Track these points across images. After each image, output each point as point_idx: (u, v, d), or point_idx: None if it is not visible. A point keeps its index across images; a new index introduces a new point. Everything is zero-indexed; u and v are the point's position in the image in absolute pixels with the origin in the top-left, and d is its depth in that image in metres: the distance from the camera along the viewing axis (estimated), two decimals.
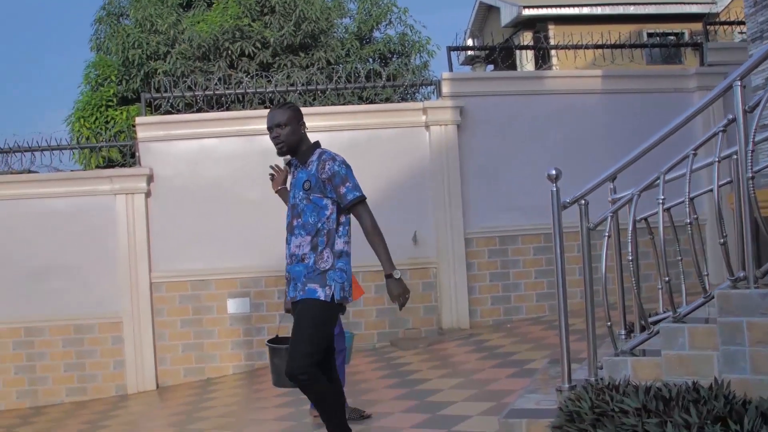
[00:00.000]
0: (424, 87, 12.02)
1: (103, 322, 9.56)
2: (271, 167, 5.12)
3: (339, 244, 4.43)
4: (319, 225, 4.39)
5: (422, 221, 9.73)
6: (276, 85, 10.62)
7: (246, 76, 12.40)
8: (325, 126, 9.67)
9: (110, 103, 15.05)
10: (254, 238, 9.42)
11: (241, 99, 11.66)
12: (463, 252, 9.69)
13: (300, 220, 4.44)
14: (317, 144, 4.63)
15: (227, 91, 10.38)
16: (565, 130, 9.96)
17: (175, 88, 10.38)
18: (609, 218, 4.66)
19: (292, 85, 10.96)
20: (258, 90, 10.55)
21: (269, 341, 5.98)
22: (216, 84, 10.51)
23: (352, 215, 4.51)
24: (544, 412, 4.47)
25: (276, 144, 4.51)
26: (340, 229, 4.47)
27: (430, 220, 9.75)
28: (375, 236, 4.38)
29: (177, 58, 14.44)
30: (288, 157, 4.61)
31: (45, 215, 9.63)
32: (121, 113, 14.72)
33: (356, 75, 11.01)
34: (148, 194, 9.62)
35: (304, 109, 9.86)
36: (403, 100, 14.04)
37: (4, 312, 9.57)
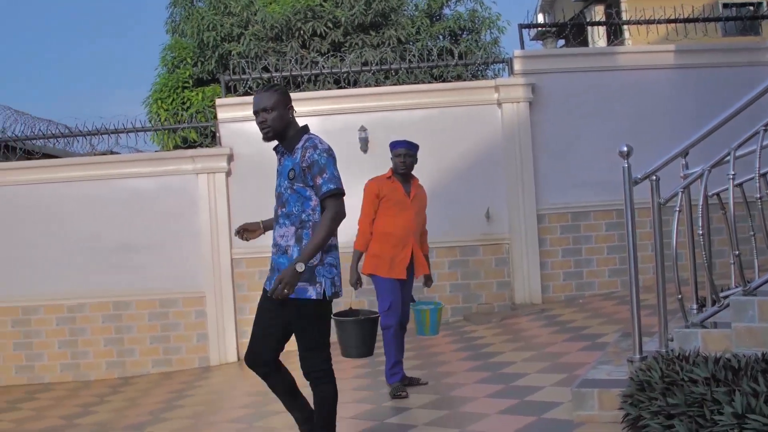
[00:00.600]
0: (494, 63, 12.08)
1: (187, 296, 9.97)
2: (237, 231, 4.69)
3: None
4: (303, 216, 4.14)
5: (495, 198, 9.86)
6: (350, 65, 10.83)
7: (318, 56, 12.63)
8: (399, 105, 9.88)
9: (186, 85, 15.42)
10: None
11: (314, 79, 11.87)
12: (535, 228, 9.80)
13: (284, 209, 4.19)
14: (305, 129, 4.31)
15: (303, 72, 10.64)
16: (637, 106, 9.95)
17: (251, 69, 10.67)
18: (680, 194, 4.75)
19: (365, 64, 11.14)
20: (333, 70, 10.76)
21: (335, 314, 6.28)
22: (291, 65, 10.75)
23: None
24: (615, 383, 4.61)
25: (261, 129, 4.21)
26: None
27: (503, 197, 9.86)
28: (326, 229, 4.03)
29: (250, 40, 14.71)
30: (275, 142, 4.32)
31: (131, 194, 10.05)
32: (197, 94, 15.07)
33: (428, 53, 11.15)
34: (228, 173, 9.95)
35: (377, 89, 10.18)
36: (474, 76, 14.09)
37: (94, 287, 10.04)
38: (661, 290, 4.68)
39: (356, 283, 6.24)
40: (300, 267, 3.93)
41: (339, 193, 4.08)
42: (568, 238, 9.90)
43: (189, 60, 15.64)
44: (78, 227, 10.14)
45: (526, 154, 9.81)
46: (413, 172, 6.35)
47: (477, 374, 6.59)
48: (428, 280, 6.56)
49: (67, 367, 10.22)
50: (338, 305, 9.42)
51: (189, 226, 9.96)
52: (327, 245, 4.13)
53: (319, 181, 4.07)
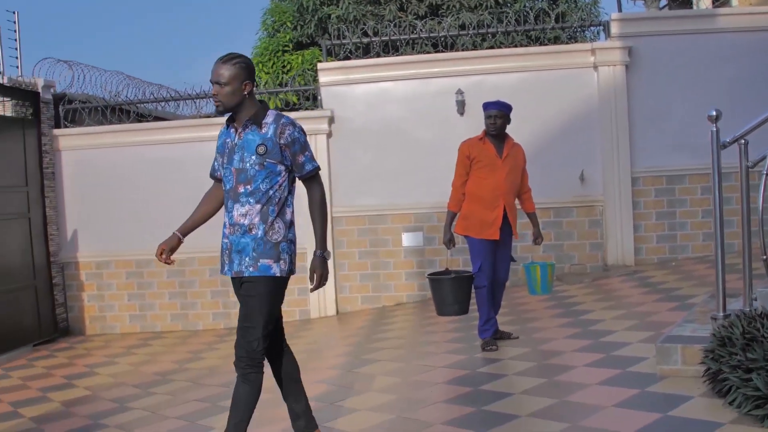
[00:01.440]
0: (591, 27, 12.06)
1: None
2: (161, 259, 4.29)
3: (288, 214, 4.11)
4: (272, 192, 4.03)
5: (589, 160, 9.95)
6: (447, 29, 11.01)
7: (416, 19, 12.83)
8: (496, 68, 10.05)
9: (286, 48, 15.78)
10: (427, 176, 9.94)
11: (413, 43, 12.08)
12: (629, 191, 9.87)
13: (249, 186, 4.03)
14: (266, 105, 4.19)
15: (401, 36, 10.89)
16: (737, 69, 9.83)
17: (351, 33, 10.96)
18: None
19: (462, 27, 11.28)
20: (431, 35, 10.97)
21: (429, 275, 6.54)
22: (391, 30, 11.00)
23: (293, 187, 4.21)
24: (698, 339, 4.80)
25: (214, 102, 4.09)
26: (289, 198, 4.14)
27: (598, 159, 9.95)
28: (322, 211, 4.14)
29: (349, 3, 14.93)
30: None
31: None
32: (297, 57, 15.42)
33: (525, 15, 11.24)
34: (329, 135, 10.32)
35: (474, 53, 10.35)
36: (571, 38, 14.06)
37: (204, 242, 10.49)
38: (747, 251, 4.82)
39: (448, 242, 6.40)
40: (328, 255, 4.10)
41: (319, 172, 4.19)
42: (662, 201, 9.92)
43: (289, 24, 15.99)
44: (187, 185, 10.67)
45: (621, 118, 9.86)
46: (509, 133, 6.46)
47: (566, 330, 6.83)
48: (537, 238, 6.68)
49: (177, 317, 10.88)
50: (434, 265, 9.79)
51: None
52: (289, 221, 4.11)
53: (301, 159, 4.07)
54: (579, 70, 10.02)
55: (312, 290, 4.17)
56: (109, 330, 11.09)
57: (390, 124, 10.24)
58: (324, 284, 4.13)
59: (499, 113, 6.29)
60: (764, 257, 4.86)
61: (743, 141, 4.83)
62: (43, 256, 10.78)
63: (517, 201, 6.61)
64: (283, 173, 4.06)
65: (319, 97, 10.52)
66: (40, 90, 10.84)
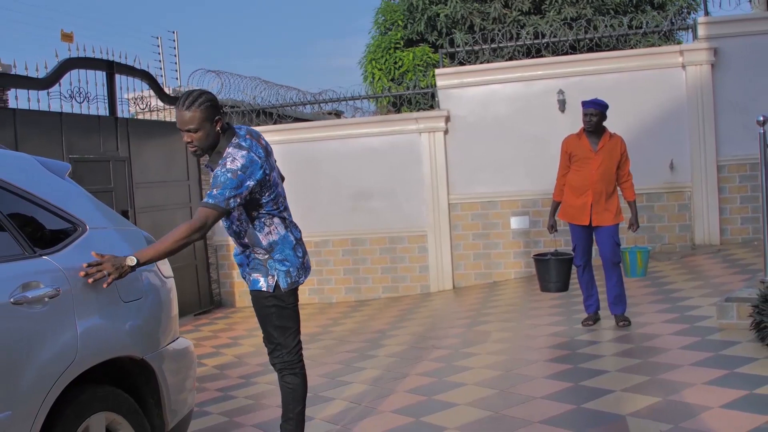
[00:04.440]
0: (679, 30, 12.99)
1: (411, 234, 11.96)
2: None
3: (273, 236, 4.02)
4: (235, 228, 4.05)
5: (678, 150, 11.05)
6: (552, 35, 12.21)
7: (519, 15, 13.97)
8: (592, 70, 11.24)
9: (397, 45, 16.92)
10: (532, 166, 11.26)
11: (517, 39, 13.15)
12: (715, 177, 10.93)
13: (222, 223, 4.11)
14: (231, 134, 3.96)
15: (509, 44, 12.22)
16: None
17: (460, 33, 12.26)
18: None
19: (564, 21, 12.39)
20: (534, 42, 12.22)
21: (535, 255, 7.73)
22: (499, 35, 12.31)
23: (267, 208, 4.01)
24: (751, 299, 6.06)
25: (190, 148, 3.94)
26: (257, 223, 3.99)
27: (686, 150, 11.03)
28: (176, 237, 3.67)
29: (456, 2, 15.92)
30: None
31: (366, 150, 12.07)
32: (408, 54, 16.57)
33: (624, 7, 12.24)
34: (446, 132, 11.73)
35: (573, 57, 11.64)
36: (665, 36, 14.90)
37: (336, 226, 12.21)
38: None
39: (551, 227, 7.31)
40: (131, 260, 3.53)
41: (213, 209, 3.75)
42: (746, 186, 10.91)
43: (400, 22, 17.09)
44: (322, 177, 12.29)
45: (707, 112, 10.90)
46: (607, 127, 7.05)
47: (651, 297, 8.16)
48: (632, 225, 7.15)
49: (314, 291, 12.49)
50: (538, 246, 11.07)
51: (413, 176, 11.86)
52: (268, 244, 4.04)
53: (208, 191, 3.79)
54: (669, 70, 11.12)
55: (85, 273, 3.41)
56: None
57: (499, 121, 11.58)
58: (97, 275, 3.40)
59: (594, 111, 6.78)
60: None
61: None
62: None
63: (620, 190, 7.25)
64: (233, 212, 3.95)
65: (436, 98, 11.95)
66: None
